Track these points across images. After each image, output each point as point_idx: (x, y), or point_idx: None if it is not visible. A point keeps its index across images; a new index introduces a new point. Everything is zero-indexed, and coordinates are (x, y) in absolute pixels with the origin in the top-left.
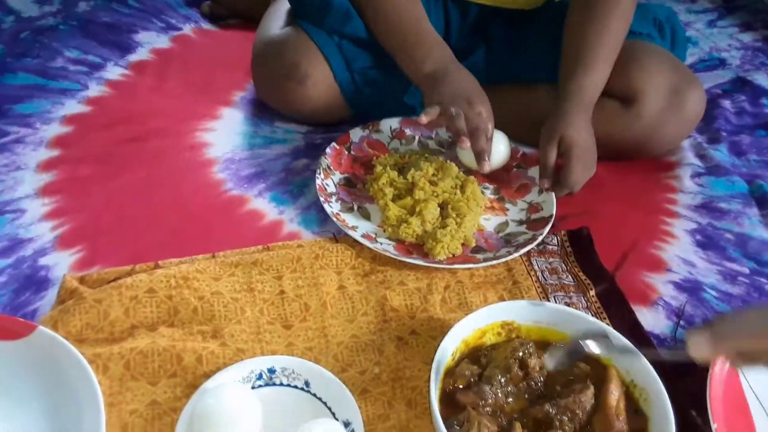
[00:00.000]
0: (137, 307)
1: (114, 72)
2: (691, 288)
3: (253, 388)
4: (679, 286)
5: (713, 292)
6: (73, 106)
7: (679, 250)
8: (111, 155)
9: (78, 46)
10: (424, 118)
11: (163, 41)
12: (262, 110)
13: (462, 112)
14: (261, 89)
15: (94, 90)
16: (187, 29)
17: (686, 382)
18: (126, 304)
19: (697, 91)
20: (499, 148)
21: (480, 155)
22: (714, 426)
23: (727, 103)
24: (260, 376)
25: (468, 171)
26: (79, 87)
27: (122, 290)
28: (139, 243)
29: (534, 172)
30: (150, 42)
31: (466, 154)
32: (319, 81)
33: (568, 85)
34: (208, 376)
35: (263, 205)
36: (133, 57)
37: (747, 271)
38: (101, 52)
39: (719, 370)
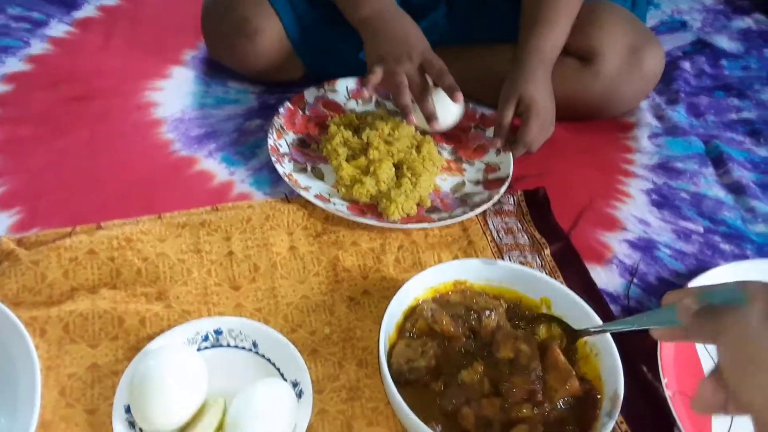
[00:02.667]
0: (77, 269)
1: (58, 29)
2: (645, 246)
3: (198, 350)
4: (633, 244)
5: (667, 251)
6: (14, 64)
7: (635, 209)
8: (53, 115)
9: (21, 3)
10: (366, 92)
11: None
12: (214, 70)
13: (405, 82)
14: (211, 46)
15: (37, 47)
16: None
17: (638, 338)
18: (65, 266)
19: (655, 50)
20: (450, 108)
21: (429, 116)
22: (664, 380)
23: (686, 65)
24: (206, 338)
25: (423, 132)
26: (21, 44)
27: (61, 252)
28: (81, 205)
29: (492, 132)
30: None
31: (420, 115)
32: (270, 36)
33: (527, 44)
34: (151, 338)
35: (213, 165)
36: (79, 14)
37: (701, 229)
38: (45, 8)
39: None
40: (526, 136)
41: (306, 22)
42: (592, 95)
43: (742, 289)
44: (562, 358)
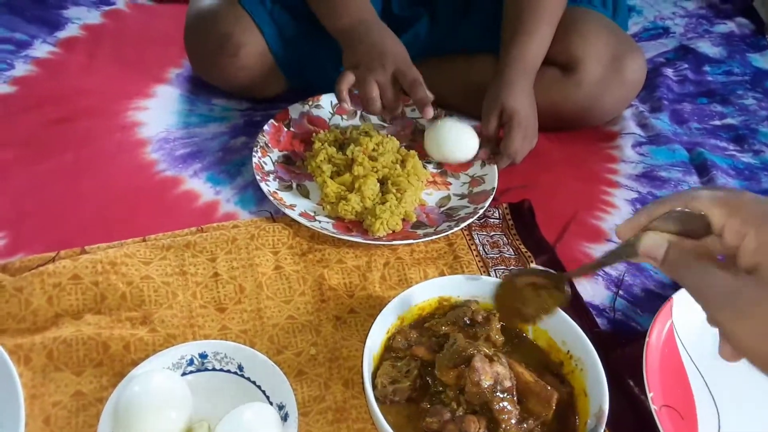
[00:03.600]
0: (61, 294)
1: (42, 50)
2: None
3: (184, 374)
4: None
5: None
6: None
7: (619, 219)
8: (37, 137)
9: (3, 24)
10: (344, 101)
11: (94, 16)
12: (198, 87)
13: (375, 94)
14: (195, 63)
15: (21, 69)
16: (120, 3)
17: (623, 351)
18: (49, 291)
19: (637, 58)
20: (469, 143)
21: (419, 106)
22: (650, 394)
23: (669, 72)
24: (191, 362)
25: (438, 164)
26: (5, 67)
27: (44, 278)
28: (66, 229)
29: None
30: (80, 17)
31: (434, 148)
32: (253, 51)
33: (509, 54)
34: (136, 363)
35: (198, 185)
36: (62, 34)
37: None
38: (28, 29)
39: (656, 338)
40: (510, 147)
41: (288, 35)
42: (575, 104)
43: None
44: (530, 377)
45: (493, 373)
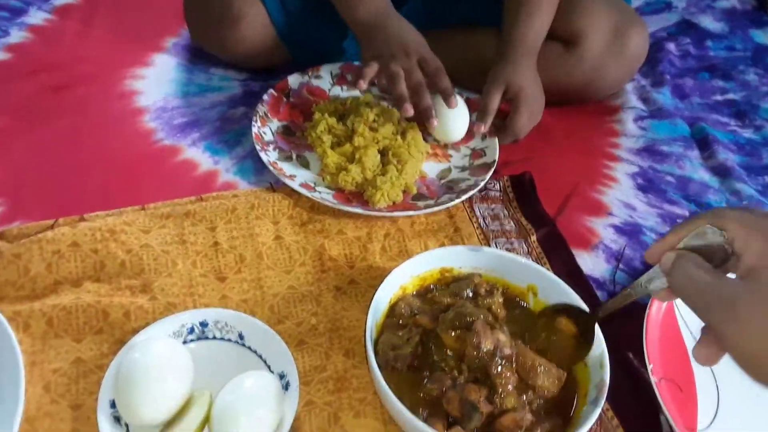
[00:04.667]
0: (60, 261)
1: (37, 17)
2: (631, 231)
3: (184, 342)
4: (619, 229)
5: (653, 235)
6: None
7: (620, 193)
8: (33, 105)
9: None
10: (362, 83)
11: None
12: (196, 57)
13: (401, 72)
14: (194, 32)
15: (16, 36)
16: None
17: (623, 325)
18: (48, 258)
19: (639, 31)
20: (458, 124)
21: (425, 113)
22: (650, 366)
23: (671, 46)
24: (192, 330)
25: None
26: (0, 34)
27: (43, 244)
28: (64, 196)
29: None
30: None
31: (438, 129)
32: (254, 21)
33: (511, 33)
34: (136, 331)
35: (197, 155)
36: (58, 1)
37: (687, 213)
38: None
39: (655, 311)
40: (516, 124)
41: (290, 7)
42: (577, 78)
43: (720, 233)
44: (537, 355)
45: (494, 339)
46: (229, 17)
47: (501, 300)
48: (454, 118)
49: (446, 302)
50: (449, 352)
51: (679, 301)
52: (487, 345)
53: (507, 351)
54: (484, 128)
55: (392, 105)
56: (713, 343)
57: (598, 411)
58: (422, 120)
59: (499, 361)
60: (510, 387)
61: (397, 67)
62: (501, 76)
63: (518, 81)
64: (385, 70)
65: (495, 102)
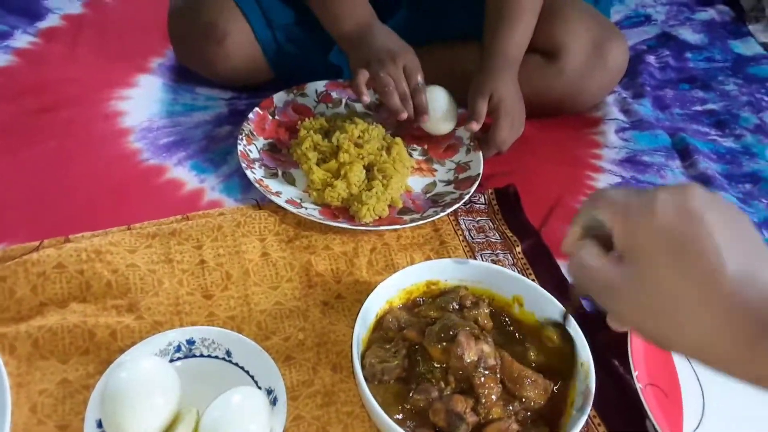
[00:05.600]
0: (45, 283)
1: (22, 40)
2: None
3: (171, 361)
4: None
5: None
6: None
7: None
8: (18, 126)
9: None
10: (365, 99)
11: (75, 6)
12: (182, 77)
13: (392, 83)
14: (178, 51)
15: (1, 59)
16: None
17: (608, 332)
18: (33, 281)
19: (619, 44)
20: (439, 105)
21: (418, 112)
22: (635, 373)
23: (651, 59)
24: (179, 348)
25: (424, 151)
26: None
27: (28, 266)
28: (49, 218)
29: (463, 132)
30: (61, 7)
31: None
32: (239, 40)
33: (493, 44)
34: (123, 351)
35: (183, 174)
36: (43, 24)
37: None
38: (8, 20)
39: None
40: (498, 137)
41: (275, 25)
42: (558, 91)
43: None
44: (524, 366)
45: (477, 350)
46: (214, 35)
47: (487, 311)
48: (441, 107)
49: (432, 316)
50: (436, 365)
51: None
52: (470, 356)
53: (491, 362)
54: (476, 126)
55: (379, 120)
56: None
57: (584, 418)
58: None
59: (483, 371)
60: (493, 397)
61: (387, 76)
62: (484, 85)
63: (499, 92)
64: (375, 78)
65: (483, 107)
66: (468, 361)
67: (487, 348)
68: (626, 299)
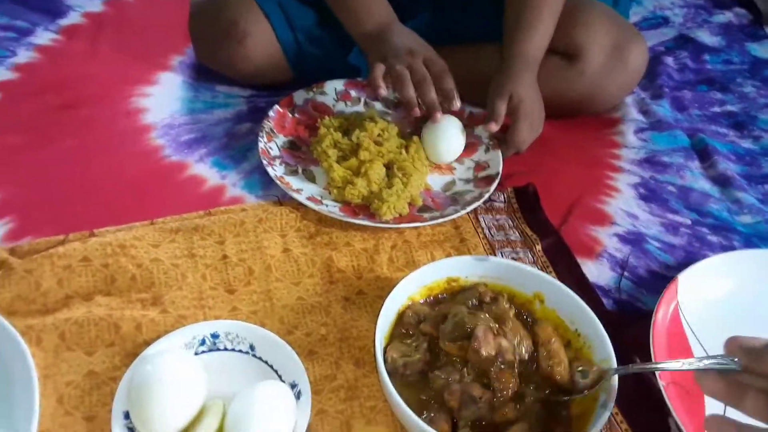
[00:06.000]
0: (71, 276)
1: (44, 37)
2: (634, 240)
3: (195, 354)
4: (623, 238)
5: (656, 243)
6: (0, 74)
7: (623, 203)
8: (41, 123)
9: (5, 12)
10: (381, 91)
11: (95, 4)
12: (202, 74)
13: (406, 72)
14: (199, 50)
15: (23, 56)
16: None
17: (630, 330)
18: (59, 273)
19: (639, 46)
20: (451, 147)
21: (430, 106)
22: (657, 372)
23: (669, 60)
24: (203, 342)
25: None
26: (7, 54)
27: (54, 260)
28: (73, 213)
29: (481, 131)
30: (82, 5)
31: (428, 148)
32: (260, 40)
33: (513, 45)
34: (148, 344)
35: (204, 170)
36: (64, 21)
37: (689, 222)
38: (30, 17)
39: (662, 317)
40: (517, 137)
41: (296, 26)
42: (578, 92)
43: None
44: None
45: (495, 344)
46: (235, 35)
47: (507, 306)
48: (448, 138)
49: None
50: (457, 359)
51: (684, 307)
52: (488, 349)
53: (509, 357)
54: (495, 126)
55: (397, 119)
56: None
57: (607, 414)
58: (427, 115)
59: (500, 365)
60: (509, 392)
61: (402, 67)
62: (503, 86)
63: (519, 93)
64: (390, 70)
65: (502, 108)
66: (485, 354)
67: (506, 343)
68: None
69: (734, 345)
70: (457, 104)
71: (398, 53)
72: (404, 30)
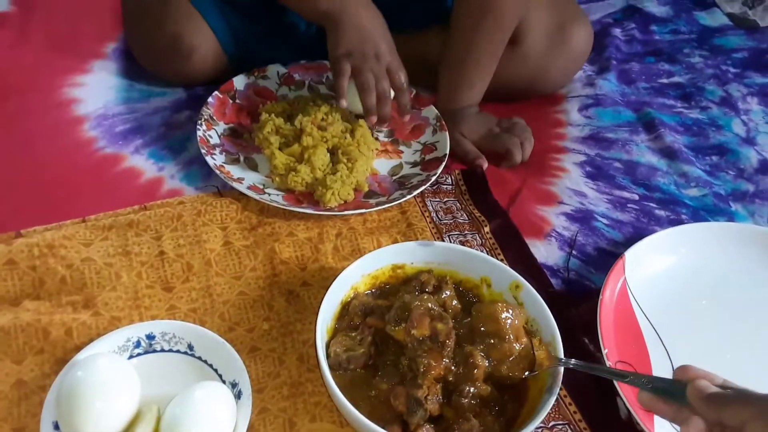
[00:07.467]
0: None
1: None
2: (582, 218)
3: (131, 357)
4: (571, 216)
5: (604, 221)
6: None
7: (570, 182)
8: None
9: None
10: (343, 102)
11: None
12: (137, 62)
13: (372, 83)
14: (141, 58)
15: None
16: None
17: (578, 309)
18: None
19: (582, 27)
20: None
21: (383, 118)
22: (605, 351)
23: (617, 32)
24: (138, 344)
25: (390, 132)
26: None
27: None
28: None
29: (429, 112)
30: None
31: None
32: (206, 52)
33: (456, 96)
34: (79, 349)
35: (140, 162)
36: None
37: (636, 197)
38: None
39: (609, 296)
40: (517, 158)
41: (240, 35)
42: (522, 76)
43: None
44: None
45: (431, 326)
46: (181, 50)
47: (451, 293)
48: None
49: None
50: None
51: (632, 284)
52: (421, 331)
53: (442, 339)
54: (484, 162)
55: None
56: None
57: (552, 399)
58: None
59: (428, 343)
60: (433, 372)
61: (369, 76)
62: (461, 138)
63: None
64: (357, 75)
65: (473, 149)
66: (418, 336)
67: (442, 327)
68: None
69: (693, 390)
70: (407, 118)
71: (366, 56)
72: (367, 9)
